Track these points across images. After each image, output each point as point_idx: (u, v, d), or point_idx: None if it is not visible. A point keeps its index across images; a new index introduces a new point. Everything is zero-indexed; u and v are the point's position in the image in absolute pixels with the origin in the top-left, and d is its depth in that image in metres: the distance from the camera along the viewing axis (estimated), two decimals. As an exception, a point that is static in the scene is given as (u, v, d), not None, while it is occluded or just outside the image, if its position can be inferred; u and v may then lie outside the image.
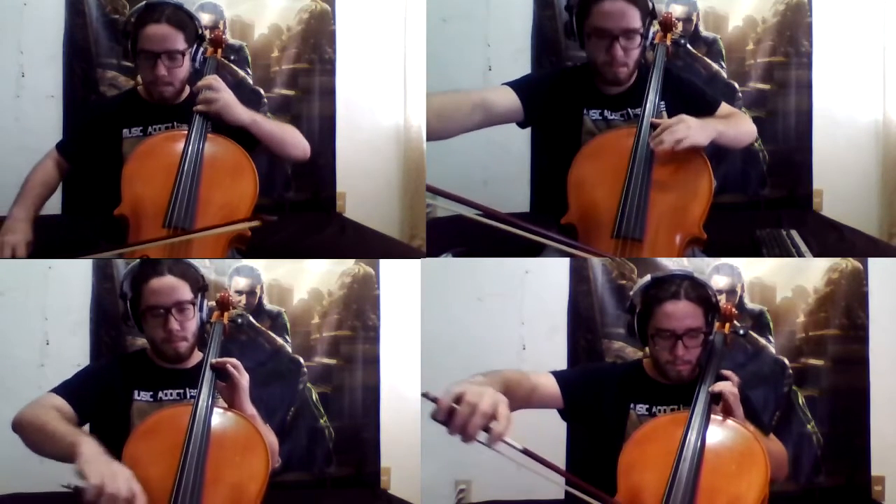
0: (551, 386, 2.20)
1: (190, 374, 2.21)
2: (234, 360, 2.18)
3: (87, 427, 2.20)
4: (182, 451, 2.03)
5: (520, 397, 2.12)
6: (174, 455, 2.02)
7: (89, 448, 1.95)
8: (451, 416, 1.79)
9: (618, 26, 2.26)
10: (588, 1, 2.29)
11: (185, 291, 2.20)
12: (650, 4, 2.32)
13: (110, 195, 2.33)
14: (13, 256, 2.32)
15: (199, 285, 2.25)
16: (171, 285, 2.19)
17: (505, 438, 1.80)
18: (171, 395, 2.22)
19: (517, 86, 2.38)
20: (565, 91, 2.41)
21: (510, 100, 2.35)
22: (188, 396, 2.20)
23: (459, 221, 2.90)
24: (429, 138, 2.34)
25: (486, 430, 1.79)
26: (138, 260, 2.23)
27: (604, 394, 2.23)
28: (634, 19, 2.27)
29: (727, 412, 2.07)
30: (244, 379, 2.17)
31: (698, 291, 2.17)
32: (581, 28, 2.33)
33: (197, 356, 2.26)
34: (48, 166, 2.47)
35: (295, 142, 2.49)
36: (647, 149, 2.24)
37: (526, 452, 1.85)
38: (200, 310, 2.24)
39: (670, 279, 2.19)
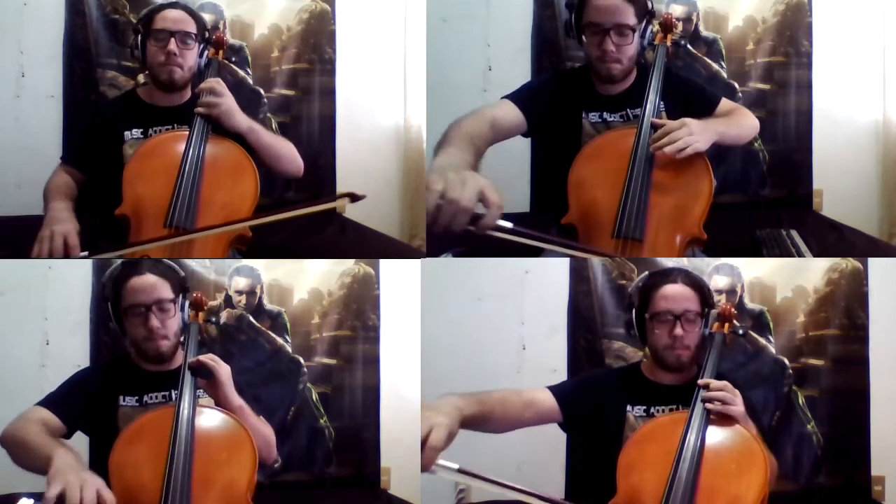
0: (548, 400, 2.21)
1: (173, 375, 2.19)
2: (209, 355, 2.17)
3: (85, 440, 2.21)
4: (168, 453, 2.02)
5: (511, 415, 2.16)
6: (161, 458, 2.01)
7: (61, 459, 1.94)
8: None
9: (610, 20, 2.27)
10: None
11: (165, 290, 2.19)
12: (648, 3, 2.33)
13: (111, 195, 2.33)
14: (66, 246, 2.25)
15: (181, 285, 2.24)
16: (151, 283, 2.18)
17: (437, 462, 1.86)
18: (156, 398, 2.22)
19: (517, 98, 2.39)
20: (564, 95, 2.41)
21: (514, 114, 2.36)
22: (172, 398, 2.19)
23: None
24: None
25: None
26: (119, 262, 2.24)
27: (602, 399, 2.24)
28: (627, 15, 2.28)
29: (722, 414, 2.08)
30: (224, 370, 2.16)
31: (693, 279, 2.22)
32: (579, 28, 2.34)
33: (181, 357, 2.25)
34: (62, 176, 2.46)
35: (290, 157, 2.49)
36: (648, 149, 2.24)
37: (461, 471, 1.89)
38: (182, 309, 2.23)
39: (666, 271, 2.26)
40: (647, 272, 2.27)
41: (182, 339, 2.24)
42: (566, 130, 2.38)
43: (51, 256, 2.26)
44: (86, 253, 2.28)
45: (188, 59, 2.42)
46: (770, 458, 2.06)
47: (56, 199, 2.38)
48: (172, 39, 2.38)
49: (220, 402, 2.16)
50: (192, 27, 2.41)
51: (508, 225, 1.97)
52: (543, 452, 2.66)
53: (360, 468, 2.93)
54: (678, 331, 2.16)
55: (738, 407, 2.06)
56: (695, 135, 2.21)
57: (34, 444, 2.03)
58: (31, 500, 1.93)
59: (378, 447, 2.94)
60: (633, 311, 2.23)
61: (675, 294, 2.18)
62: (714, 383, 2.09)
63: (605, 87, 2.38)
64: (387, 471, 2.94)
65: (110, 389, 2.22)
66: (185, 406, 2.09)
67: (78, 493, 1.84)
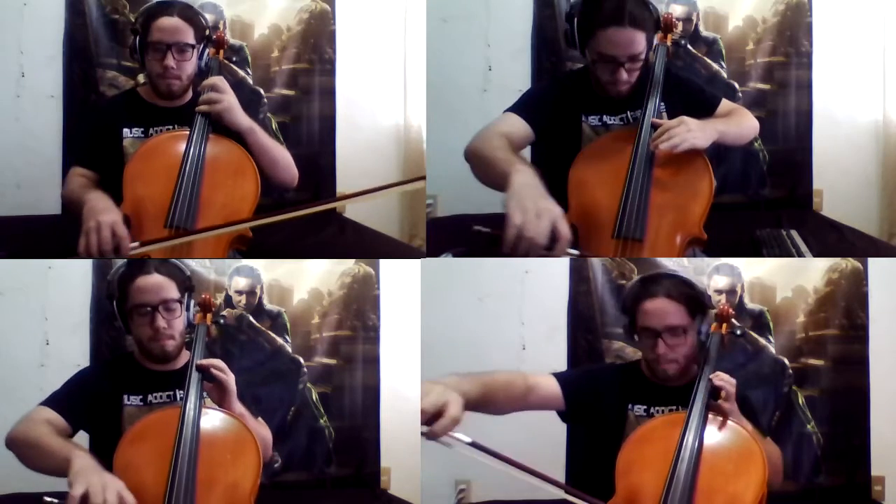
0: (552, 387, 2.20)
1: (178, 375, 2.20)
2: (219, 363, 2.16)
3: (86, 438, 2.20)
4: (173, 454, 2.02)
5: (514, 398, 2.14)
6: (165, 458, 2.01)
7: (81, 460, 1.95)
8: None
9: (625, 53, 2.24)
10: (593, 25, 2.24)
11: (171, 290, 2.19)
12: (655, 16, 2.29)
13: (111, 195, 2.32)
14: (114, 236, 2.16)
15: (186, 285, 2.24)
16: (157, 283, 2.18)
17: (449, 434, 1.86)
18: (161, 397, 2.21)
19: (520, 109, 2.36)
20: (564, 98, 2.38)
21: (522, 126, 2.33)
22: (177, 398, 2.19)
23: (459, 221, 2.91)
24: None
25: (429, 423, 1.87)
26: (124, 260, 2.22)
27: (603, 394, 2.23)
28: (641, 43, 2.24)
29: (726, 401, 2.07)
30: (230, 380, 2.16)
31: (680, 289, 2.16)
32: (583, 45, 2.29)
33: (185, 356, 2.25)
34: (79, 179, 2.40)
35: (286, 164, 2.48)
36: (648, 149, 2.24)
37: (474, 445, 1.89)
38: (187, 309, 2.23)
39: (653, 278, 2.21)
40: (639, 277, 2.26)
41: (187, 338, 2.24)
42: (566, 133, 2.37)
43: (101, 251, 2.16)
44: (136, 244, 2.21)
45: (186, 69, 2.39)
46: (774, 448, 2.07)
47: (89, 192, 2.30)
48: (169, 53, 2.35)
49: (223, 407, 2.16)
50: (189, 36, 2.37)
51: (575, 252, 2.09)
52: (543, 451, 2.65)
53: (360, 468, 2.93)
54: (661, 349, 2.14)
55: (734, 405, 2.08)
56: (693, 131, 2.21)
57: (49, 445, 2.03)
58: (56, 501, 1.94)
59: (378, 447, 2.94)
60: (627, 317, 2.22)
61: (656, 310, 2.14)
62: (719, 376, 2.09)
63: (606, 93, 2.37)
64: (387, 471, 2.94)
65: (114, 388, 2.21)
66: (191, 406, 2.09)
67: (101, 494, 1.86)
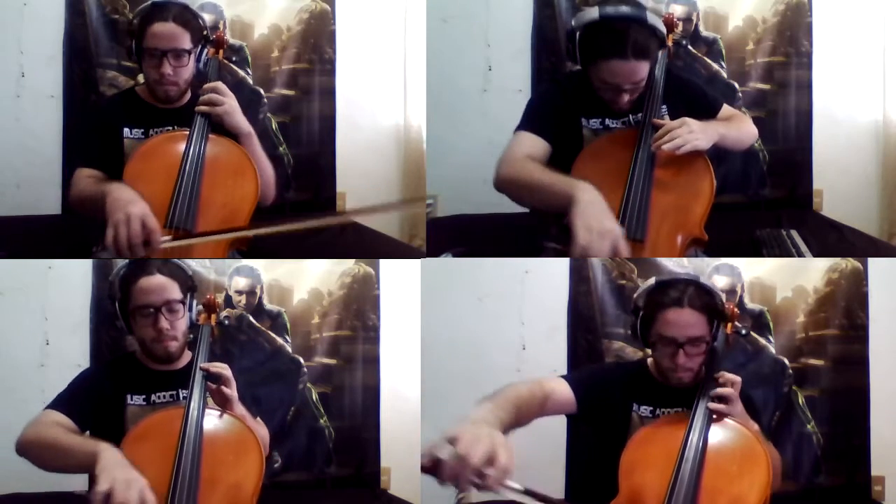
0: (565, 392, 2.17)
1: (181, 374, 2.20)
2: (224, 374, 2.15)
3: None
4: (176, 453, 2.02)
5: (534, 410, 2.10)
6: (168, 458, 2.01)
7: (109, 454, 1.93)
8: (438, 466, 1.72)
9: (627, 82, 2.22)
10: (595, 54, 2.22)
11: (174, 291, 2.18)
12: (660, 37, 2.27)
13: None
14: (144, 228, 2.07)
15: (189, 285, 2.23)
16: (160, 284, 2.17)
17: (503, 483, 1.72)
18: (164, 397, 2.21)
19: (531, 125, 2.32)
20: (565, 101, 2.36)
21: (540, 143, 2.30)
22: (180, 398, 2.19)
23: (459, 221, 2.92)
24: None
25: (481, 475, 1.70)
26: (127, 260, 2.20)
27: (610, 394, 2.21)
28: (644, 71, 2.23)
29: (728, 402, 2.07)
30: (234, 392, 2.16)
31: (704, 299, 2.13)
32: (585, 65, 2.28)
33: (187, 356, 2.25)
34: (87, 180, 2.34)
35: (268, 180, 2.44)
36: (649, 150, 2.24)
37: (528, 493, 1.79)
38: (190, 310, 2.22)
39: (675, 284, 2.16)
40: (653, 279, 2.20)
41: (190, 338, 2.24)
42: (567, 136, 2.36)
43: (130, 246, 2.07)
44: (168, 237, 2.17)
45: (183, 75, 2.36)
46: (773, 452, 2.06)
47: (107, 184, 2.23)
48: (165, 60, 2.32)
49: (225, 409, 2.16)
50: (185, 41, 2.33)
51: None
52: (543, 451, 2.66)
53: (360, 468, 2.93)
54: (681, 359, 2.11)
55: (737, 406, 2.08)
56: (695, 132, 2.20)
57: (69, 444, 2.02)
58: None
59: (378, 447, 2.94)
60: (638, 319, 2.18)
61: (680, 321, 2.11)
62: (724, 377, 2.09)
63: None
64: (387, 471, 2.94)
65: (117, 388, 2.21)
66: (195, 407, 2.09)
67: (125, 491, 1.84)
